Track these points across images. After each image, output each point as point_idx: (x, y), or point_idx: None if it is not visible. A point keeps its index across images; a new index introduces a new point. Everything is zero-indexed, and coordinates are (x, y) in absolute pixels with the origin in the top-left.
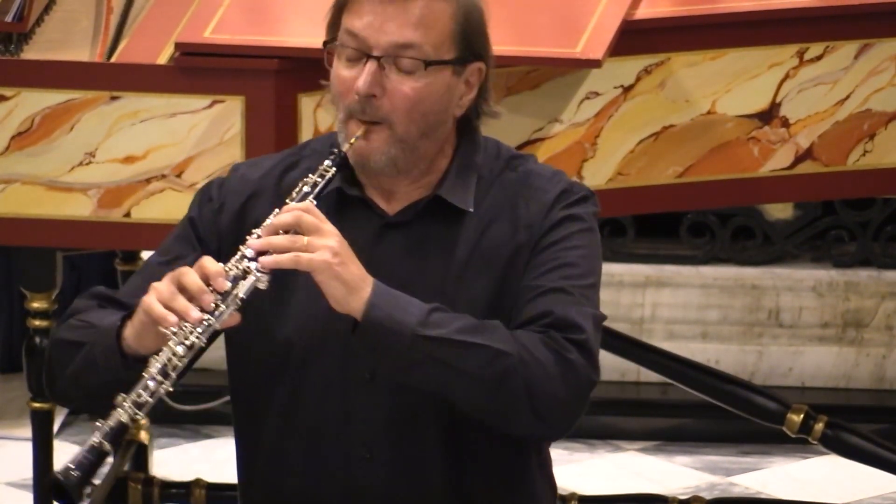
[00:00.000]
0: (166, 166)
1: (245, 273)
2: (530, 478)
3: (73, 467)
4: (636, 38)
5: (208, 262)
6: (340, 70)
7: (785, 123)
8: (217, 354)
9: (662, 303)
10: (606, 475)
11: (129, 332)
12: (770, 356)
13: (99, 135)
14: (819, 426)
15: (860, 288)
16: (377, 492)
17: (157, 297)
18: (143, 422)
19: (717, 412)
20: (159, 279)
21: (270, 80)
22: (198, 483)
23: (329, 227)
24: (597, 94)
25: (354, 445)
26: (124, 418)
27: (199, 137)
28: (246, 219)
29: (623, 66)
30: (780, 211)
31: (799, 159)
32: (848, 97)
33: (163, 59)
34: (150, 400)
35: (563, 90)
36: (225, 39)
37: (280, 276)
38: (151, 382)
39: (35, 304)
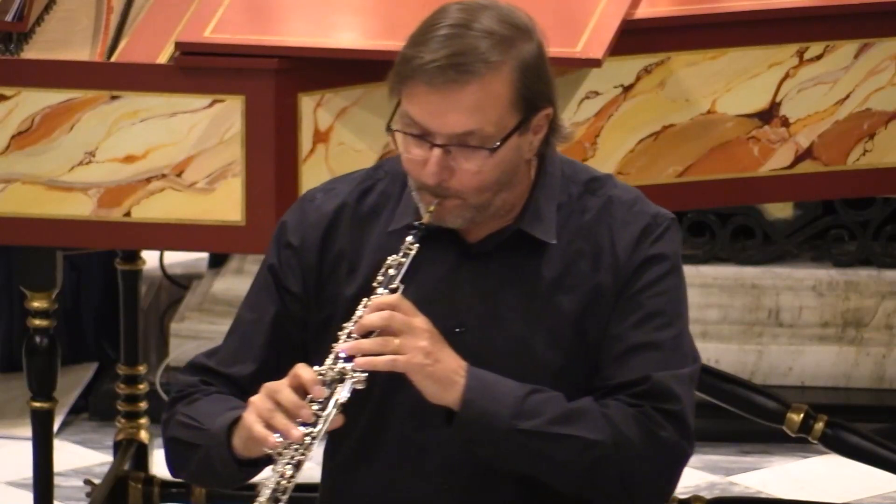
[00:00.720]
0: (166, 166)
1: (341, 375)
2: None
3: None
4: (636, 37)
5: (303, 371)
6: (407, 147)
7: (785, 123)
8: None
9: None
10: None
11: (237, 442)
12: (770, 356)
13: (99, 134)
14: (819, 426)
15: (860, 287)
16: None
17: (256, 413)
18: (143, 421)
19: (717, 412)
20: (250, 340)
21: (270, 80)
22: None
23: (419, 322)
24: (597, 93)
25: (431, 476)
26: None
27: (200, 137)
28: (327, 250)
29: (623, 65)
30: (780, 210)
31: (799, 159)
32: (848, 97)
33: (163, 59)
34: None
35: (563, 89)
36: (225, 39)
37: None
38: None
39: (35, 304)
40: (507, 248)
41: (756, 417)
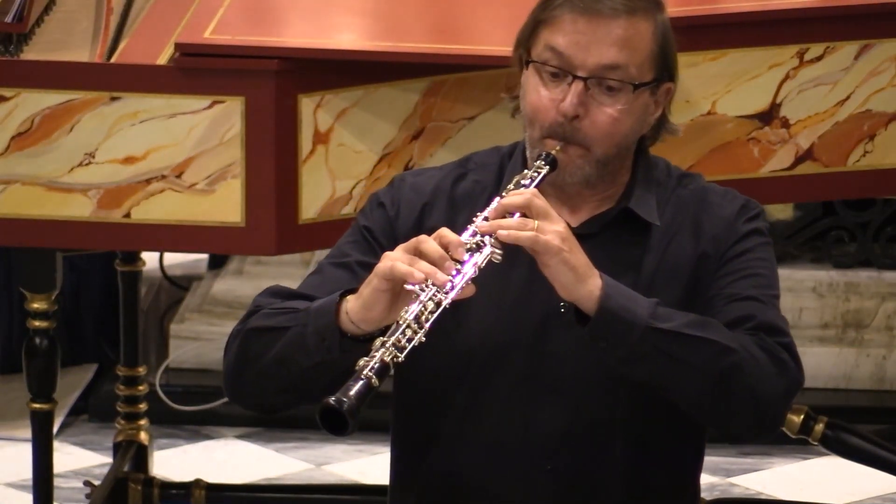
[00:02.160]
0: (166, 167)
1: (478, 246)
2: (696, 488)
3: (346, 397)
4: None
5: (447, 232)
6: (539, 88)
7: (785, 124)
8: (218, 355)
9: None
10: None
11: (354, 304)
12: None
13: (99, 135)
14: (819, 427)
15: (860, 289)
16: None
17: (393, 260)
18: (143, 422)
19: None
20: (337, 279)
21: (270, 81)
22: (197, 484)
23: (556, 214)
24: None
25: (535, 456)
26: (387, 357)
27: (199, 138)
28: (423, 226)
29: None
30: (780, 211)
31: (799, 160)
32: (848, 98)
33: (163, 60)
34: (408, 345)
35: None
36: (225, 40)
37: (499, 300)
38: (408, 330)
39: (35, 305)
40: (612, 228)
41: None
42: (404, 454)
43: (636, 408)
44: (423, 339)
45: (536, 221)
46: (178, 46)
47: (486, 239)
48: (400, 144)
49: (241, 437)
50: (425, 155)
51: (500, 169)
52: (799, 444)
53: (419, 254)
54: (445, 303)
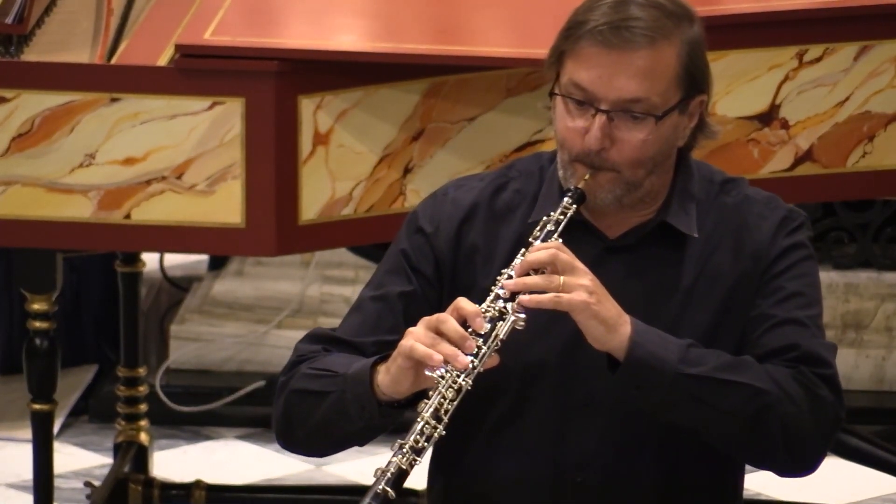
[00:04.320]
0: (166, 168)
1: (501, 314)
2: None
3: None
4: None
5: (465, 304)
6: (566, 118)
7: (785, 125)
8: (218, 356)
9: None
10: None
11: (384, 378)
12: None
13: (99, 136)
14: None
15: (860, 289)
16: None
17: (415, 340)
18: (143, 423)
19: None
20: (376, 317)
21: (270, 82)
22: (198, 484)
23: (582, 265)
24: None
25: (566, 469)
26: (404, 465)
27: (200, 139)
28: (462, 241)
29: None
30: None
31: (799, 161)
32: (847, 99)
33: (163, 61)
34: (426, 445)
35: None
36: (225, 41)
37: (535, 314)
38: (426, 427)
39: (35, 306)
40: (650, 241)
41: None
42: (440, 464)
43: (670, 424)
44: (444, 432)
45: (562, 277)
46: (178, 48)
47: (509, 306)
48: (400, 145)
49: (241, 437)
50: (425, 156)
51: (540, 176)
52: None
53: (440, 333)
54: (466, 387)
